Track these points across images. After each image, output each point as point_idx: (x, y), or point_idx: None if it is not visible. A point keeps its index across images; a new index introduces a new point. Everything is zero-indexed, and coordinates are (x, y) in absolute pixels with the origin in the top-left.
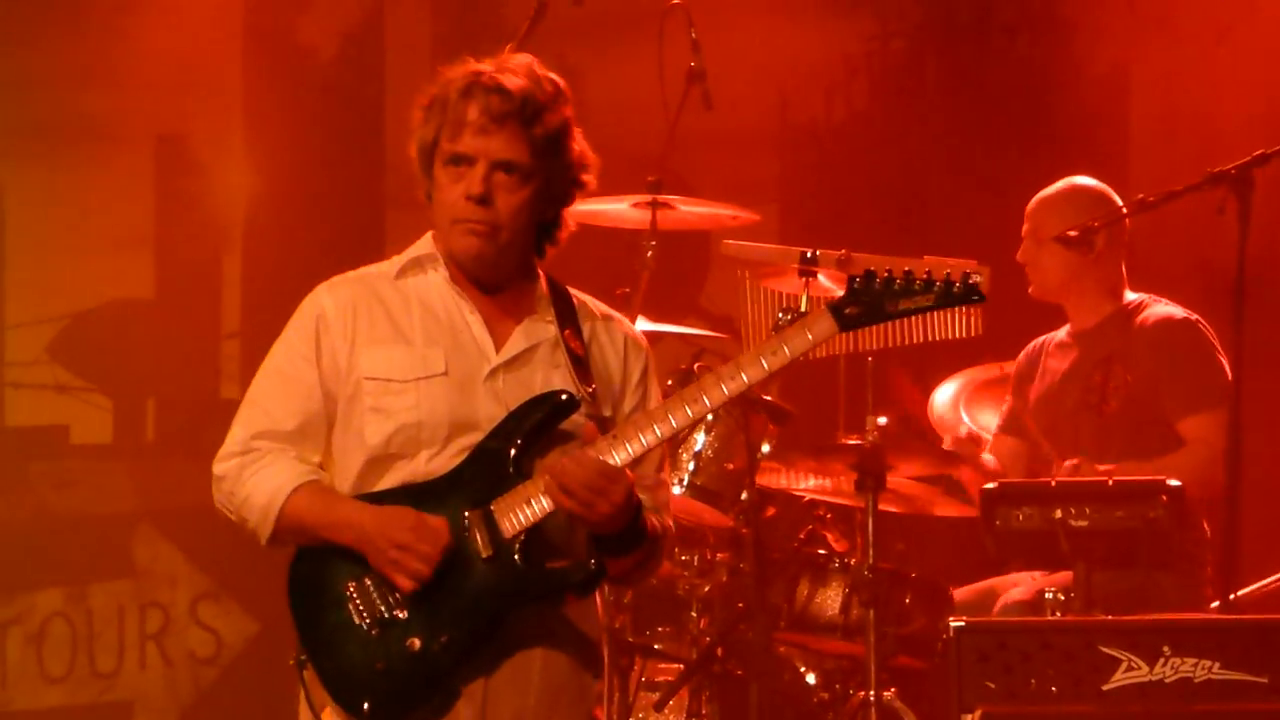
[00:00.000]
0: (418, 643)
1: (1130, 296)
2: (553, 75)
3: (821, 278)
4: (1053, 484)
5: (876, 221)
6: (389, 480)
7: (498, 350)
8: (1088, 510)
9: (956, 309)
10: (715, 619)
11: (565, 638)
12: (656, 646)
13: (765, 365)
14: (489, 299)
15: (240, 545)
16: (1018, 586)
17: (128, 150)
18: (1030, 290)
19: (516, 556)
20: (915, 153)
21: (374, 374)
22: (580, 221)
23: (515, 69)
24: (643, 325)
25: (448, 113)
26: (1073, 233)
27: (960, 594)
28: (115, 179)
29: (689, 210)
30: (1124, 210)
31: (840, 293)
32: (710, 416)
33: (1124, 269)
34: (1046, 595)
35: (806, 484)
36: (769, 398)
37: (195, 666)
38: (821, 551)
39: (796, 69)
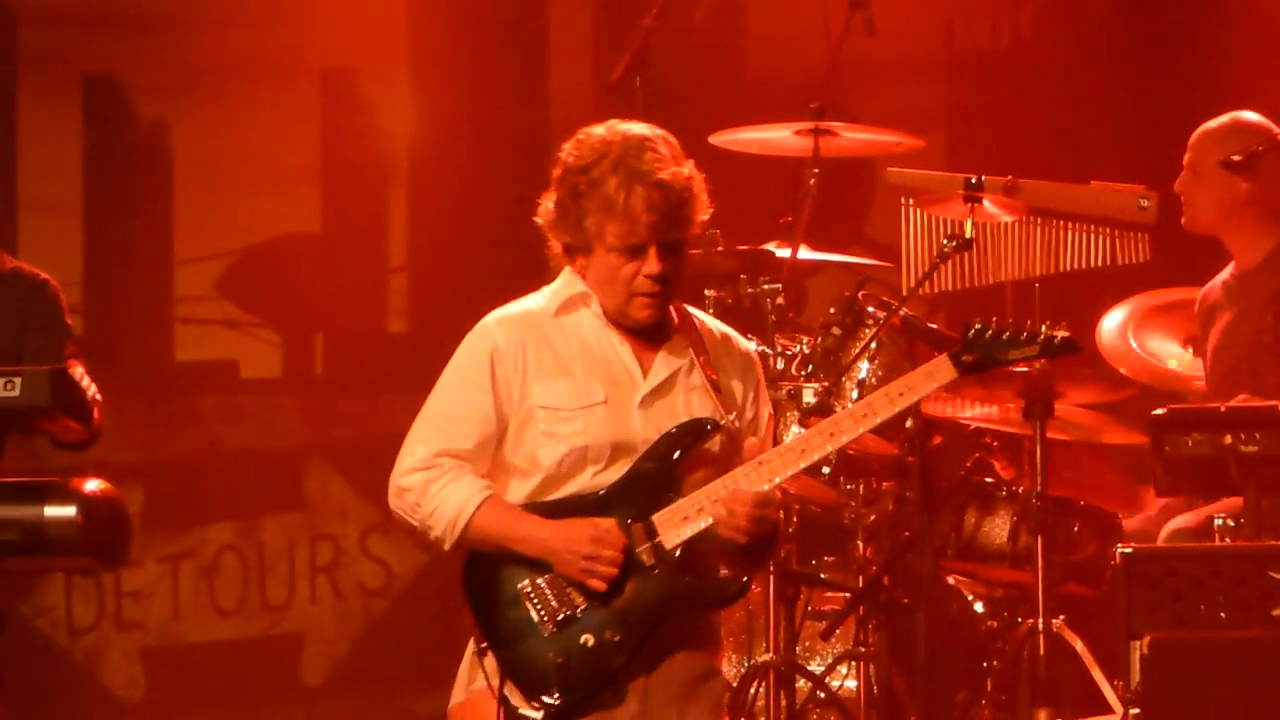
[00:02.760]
0: (591, 640)
1: None
2: (667, 136)
3: (987, 204)
4: (1222, 409)
5: (1043, 148)
6: (560, 491)
7: (644, 377)
8: (1257, 436)
9: (1124, 231)
10: (881, 548)
11: (703, 636)
12: (823, 576)
13: (895, 406)
14: (635, 331)
15: None
16: (1184, 514)
17: (294, 86)
18: (1183, 222)
19: (678, 568)
20: (1082, 79)
21: (545, 403)
22: (743, 150)
23: (650, 146)
24: (805, 254)
25: (611, 210)
26: (1236, 157)
27: (1129, 520)
28: (282, 115)
29: (852, 137)
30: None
31: (1006, 217)
32: (874, 345)
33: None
34: (1216, 522)
35: (973, 412)
36: (934, 326)
37: (365, 598)
38: (989, 480)
39: None
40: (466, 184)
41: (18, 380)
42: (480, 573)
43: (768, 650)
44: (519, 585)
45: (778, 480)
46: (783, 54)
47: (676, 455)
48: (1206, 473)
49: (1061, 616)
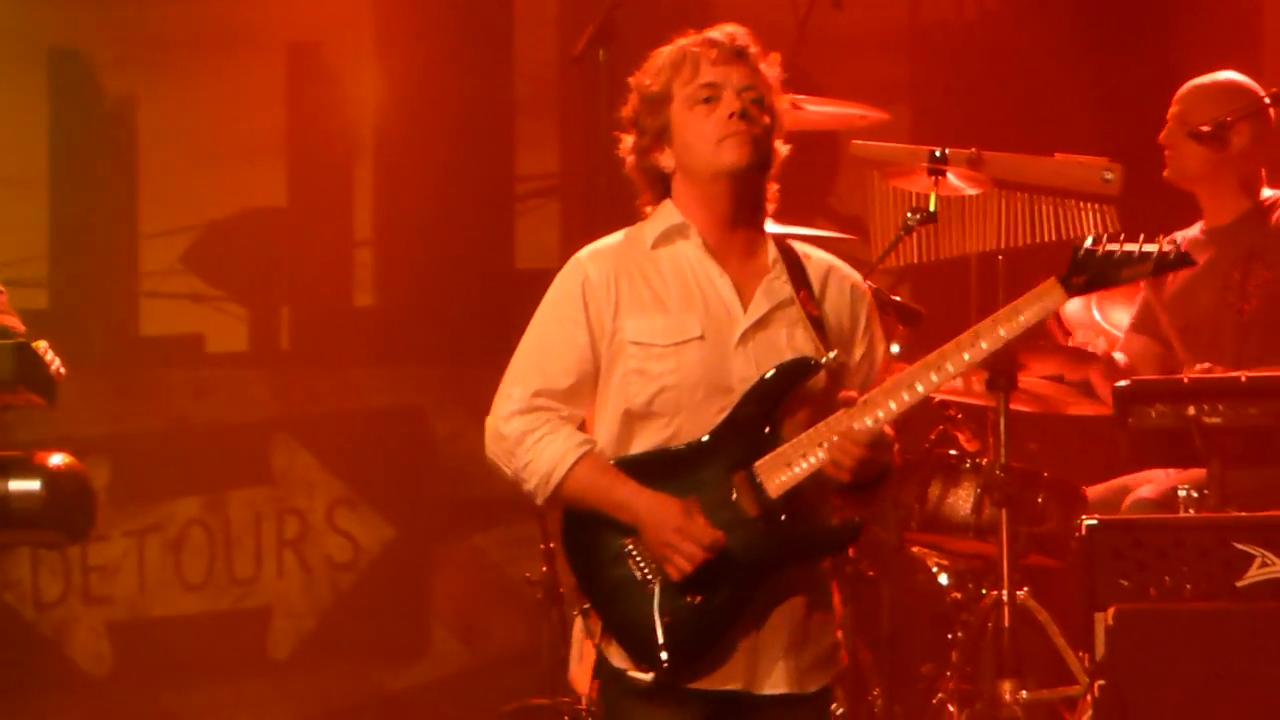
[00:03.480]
0: (699, 598)
1: (1267, 193)
2: None
3: (951, 177)
4: (1186, 381)
5: (1007, 120)
6: (646, 436)
7: (744, 311)
8: (1221, 407)
9: (1088, 204)
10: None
11: (813, 586)
12: None
13: (1003, 333)
14: (733, 262)
15: (377, 451)
16: (1147, 485)
17: (259, 59)
18: (1165, 174)
19: (784, 517)
20: (1046, 50)
21: (637, 339)
22: None
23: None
24: (771, 227)
25: (681, 64)
26: (1205, 128)
27: (1093, 491)
28: (247, 88)
29: (817, 110)
30: (1254, 106)
31: (970, 190)
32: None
33: (1263, 167)
34: (1180, 493)
35: None
36: (899, 298)
37: (332, 572)
38: (953, 452)
39: None
40: (432, 157)
41: None
42: (579, 530)
43: None
44: (620, 542)
45: (882, 417)
46: (747, 27)
47: (776, 398)
48: (1170, 444)
49: (1026, 588)
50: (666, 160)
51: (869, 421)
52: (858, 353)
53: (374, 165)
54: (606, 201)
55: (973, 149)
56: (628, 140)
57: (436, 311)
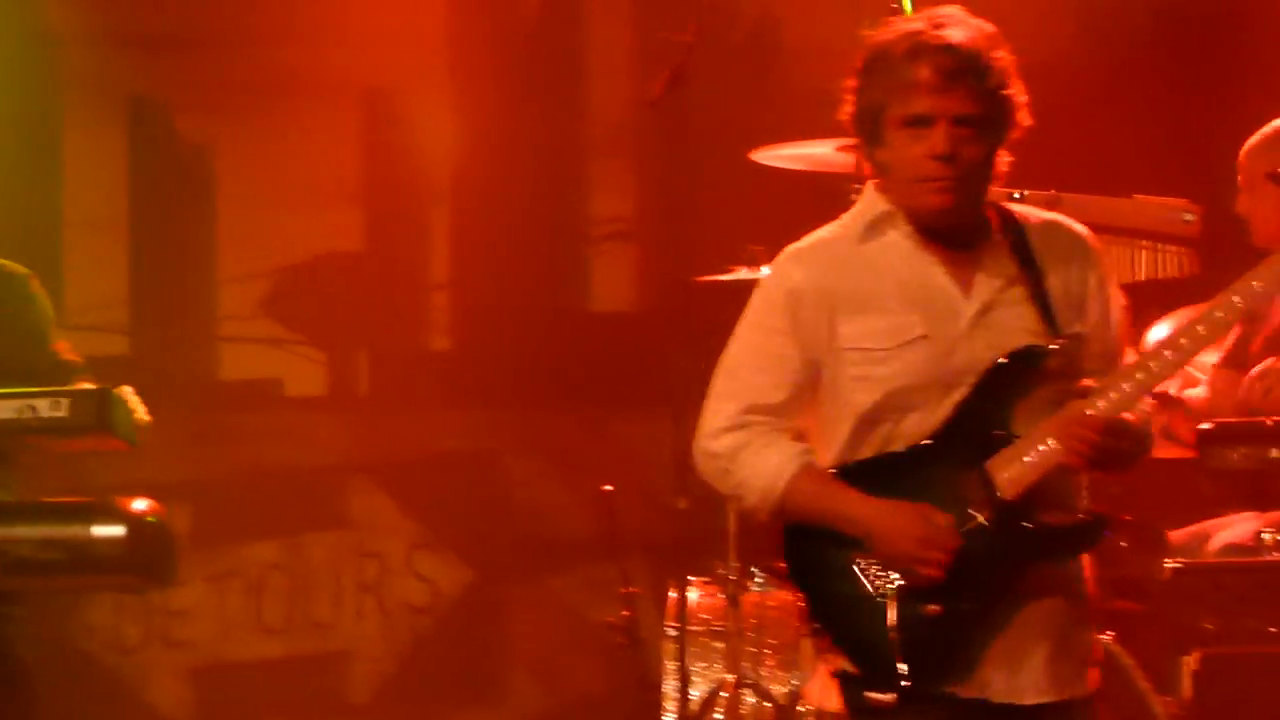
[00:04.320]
0: (938, 609)
1: None
2: (981, 22)
3: None
4: (1269, 423)
5: (1085, 161)
6: (875, 440)
7: (966, 298)
8: None
9: (1168, 245)
10: None
11: (1067, 589)
12: None
13: (1237, 301)
14: (950, 246)
15: (454, 495)
16: (1231, 528)
17: (335, 105)
18: (1254, 240)
19: (1021, 518)
20: (1123, 91)
21: (856, 344)
22: (784, 166)
23: (951, 21)
24: None
25: (895, 76)
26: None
27: (1176, 536)
28: (323, 133)
29: None
30: None
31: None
32: None
33: None
34: (1264, 535)
35: None
36: None
37: (412, 616)
38: None
39: (1001, 7)
40: (507, 200)
41: (65, 401)
42: (802, 546)
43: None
44: (847, 556)
45: (1117, 400)
46: (820, 69)
47: (1003, 392)
48: (1253, 486)
49: (1110, 632)
50: (880, 155)
51: (1102, 405)
52: (1092, 314)
53: (450, 209)
54: (682, 244)
55: (1051, 190)
56: (848, 105)
57: (512, 355)
